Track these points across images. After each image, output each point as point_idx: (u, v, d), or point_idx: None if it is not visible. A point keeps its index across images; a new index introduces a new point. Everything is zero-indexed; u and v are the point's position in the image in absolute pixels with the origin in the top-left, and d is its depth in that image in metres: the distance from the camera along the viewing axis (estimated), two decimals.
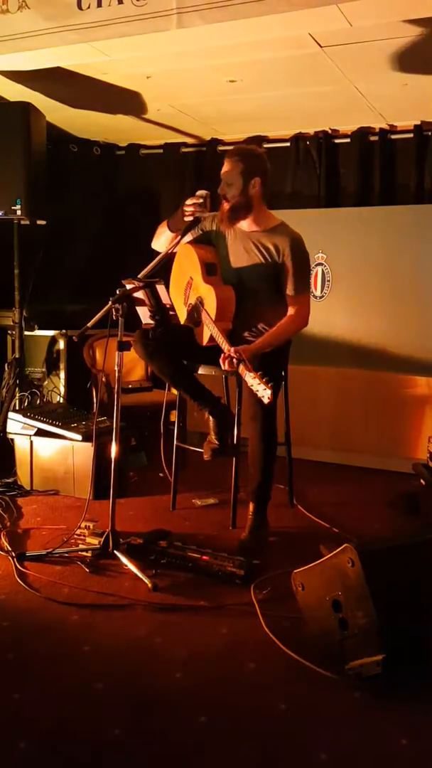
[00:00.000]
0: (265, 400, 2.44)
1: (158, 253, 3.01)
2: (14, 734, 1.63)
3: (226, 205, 2.93)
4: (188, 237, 3.04)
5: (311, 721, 1.72)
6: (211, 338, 2.92)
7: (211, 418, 3.14)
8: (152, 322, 2.98)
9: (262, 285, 2.97)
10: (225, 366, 2.67)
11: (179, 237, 2.97)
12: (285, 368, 3.18)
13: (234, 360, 2.62)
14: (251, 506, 2.92)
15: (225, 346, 2.73)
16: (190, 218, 2.94)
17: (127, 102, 4.18)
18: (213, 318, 2.91)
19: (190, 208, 2.93)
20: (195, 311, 3.02)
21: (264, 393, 2.43)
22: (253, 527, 2.88)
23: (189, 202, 2.95)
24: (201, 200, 2.94)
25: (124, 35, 3.05)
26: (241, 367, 2.59)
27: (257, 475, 2.88)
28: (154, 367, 3.13)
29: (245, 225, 3.00)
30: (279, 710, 1.75)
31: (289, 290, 2.93)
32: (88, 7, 3.10)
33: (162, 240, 3.12)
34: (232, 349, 2.65)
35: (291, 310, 2.95)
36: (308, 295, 3.03)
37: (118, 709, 1.74)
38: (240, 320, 2.96)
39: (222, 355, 2.69)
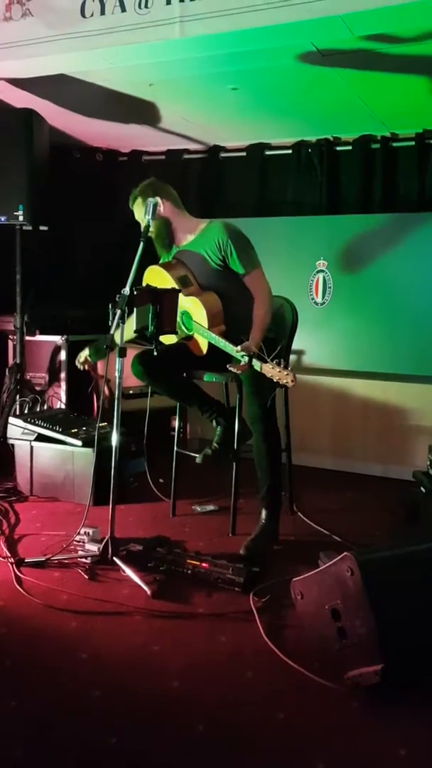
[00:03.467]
0: (290, 383, 2.49)
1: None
2: (11, 742, 1.63)
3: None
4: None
5: (310, 730, 1.71)
6: (210, 345, 2.92)
7: (219, 427, 3.15)
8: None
9: (226, 280, 3.00)
10: (237, 369, 2.64)
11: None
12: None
13: (246, 358, 2.63)
14: (264, 513, 2.86)
15: (230, 347, 2.73)
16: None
17: (130, 109, 4.19)
18: (206, 326, 2.92)
19: None
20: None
21: (287, 378, 2.49)
22: (263, 534, 2.82)
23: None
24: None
25: (126, 43, 3.07)
26: (256, 363, 2.60)
27: (266, 478, 2.84)
28: (158, 389, 3.14)
29: (181, 240, 3.11)
30: (277, 719, 1.74)
31: (240, 269, 2.97)
32: (92, 15, 3.12)
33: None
34: (239, 347, 2.66)
35: (253, 292, 2.97)
36: (259, 268, 3.01)
37: (116, 717, 1.73)
38: (230, 323, 2.97)
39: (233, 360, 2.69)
